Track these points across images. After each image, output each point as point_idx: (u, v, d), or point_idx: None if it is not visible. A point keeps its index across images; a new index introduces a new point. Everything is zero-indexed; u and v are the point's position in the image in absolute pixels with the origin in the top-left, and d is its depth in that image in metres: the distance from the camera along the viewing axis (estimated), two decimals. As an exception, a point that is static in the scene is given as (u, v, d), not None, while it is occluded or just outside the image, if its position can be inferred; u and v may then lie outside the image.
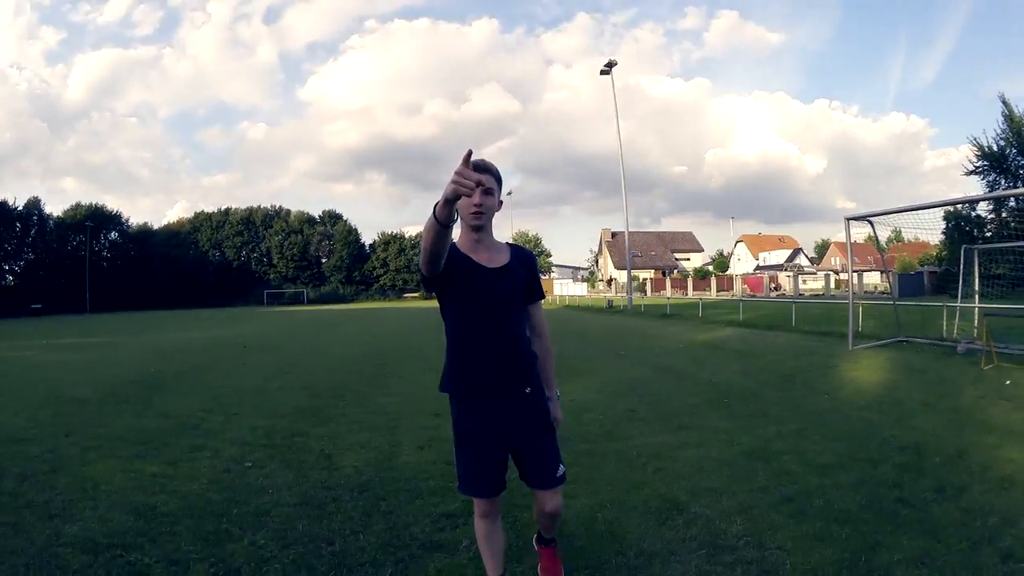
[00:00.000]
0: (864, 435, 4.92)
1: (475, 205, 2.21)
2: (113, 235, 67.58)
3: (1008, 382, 6.80)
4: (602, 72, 35.08)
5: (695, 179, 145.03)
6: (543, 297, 2.54)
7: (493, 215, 2.33)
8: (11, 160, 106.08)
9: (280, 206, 79.60)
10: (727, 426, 5.47)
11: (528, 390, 2.38)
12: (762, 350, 10.71)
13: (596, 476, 4.22)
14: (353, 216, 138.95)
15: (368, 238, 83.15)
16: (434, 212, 1.94)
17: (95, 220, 62.95)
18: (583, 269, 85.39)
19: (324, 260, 79.52)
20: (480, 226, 2.29)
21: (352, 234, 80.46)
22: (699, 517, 3.44)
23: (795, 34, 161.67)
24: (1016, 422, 5.23)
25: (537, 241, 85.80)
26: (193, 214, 78.00)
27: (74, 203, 63.77)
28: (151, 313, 49.95)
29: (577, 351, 12.66)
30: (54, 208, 65.49)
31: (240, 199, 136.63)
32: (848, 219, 10.56)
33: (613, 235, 72.36)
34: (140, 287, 64.59)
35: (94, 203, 64.64)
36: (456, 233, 2.30)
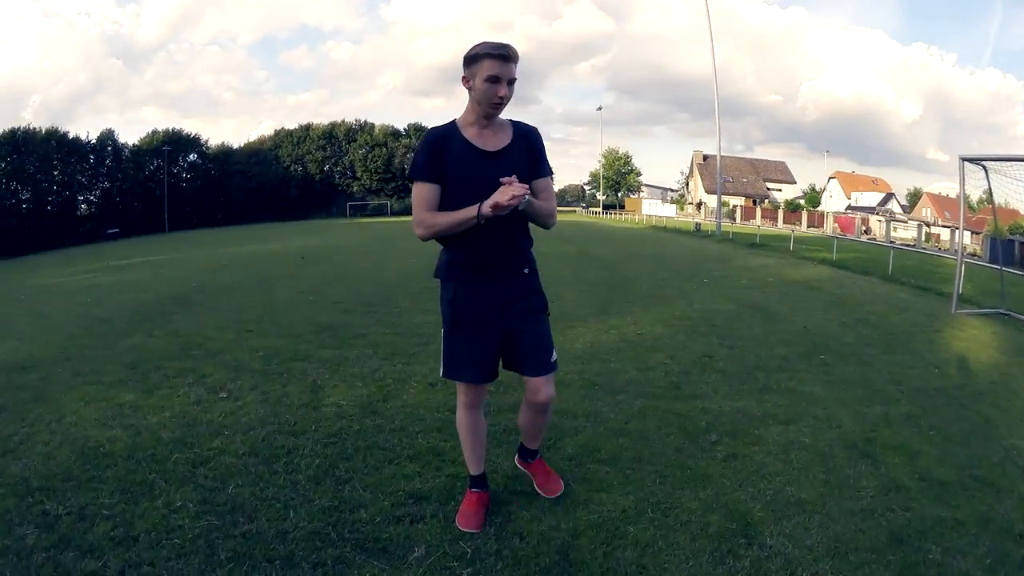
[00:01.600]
0: (982, 439, 3.49)
1: (499, 96, 2.14)
2: (192, 157, 67.24)
3: None
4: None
5: (789, 110, 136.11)
6: (549, 174, 2.37)
7: None
8: (88, 98, 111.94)
9: (365, 120, 78.01)
10: (823, 394, 4.19)
11: (526, 271, 2.35)
12: (859, 298, 8.94)
13: (643, 456, 3.12)
14: None
15: None
16: (479, 213, 2.10)
17: (172, 144, 63.34)
18: (673, 191, 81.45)
19: None
20: (497, 116, 2.24)
21: None
22: (776, 555, 2.28)
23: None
24: None
25: (628, 159, 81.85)
26: (273, 131, 77.83)
27: (151, 130, 64.29)
28: (229, 229, 50.46)
29: (654, 274, 11.32)
30: (132, 138, 65.84)
31: (326, 116, 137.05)
32: (963, 159, 8.49)
33: (705, 158, 67.72)
34: (221, 205, 64.68)
35: (171, 128, 65.17)
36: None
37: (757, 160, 75.42)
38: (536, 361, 2.32)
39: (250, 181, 68.31)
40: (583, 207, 77.87)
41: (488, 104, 2.14)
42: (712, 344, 5.59)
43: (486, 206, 2.06)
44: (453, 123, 2.26)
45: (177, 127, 66.25)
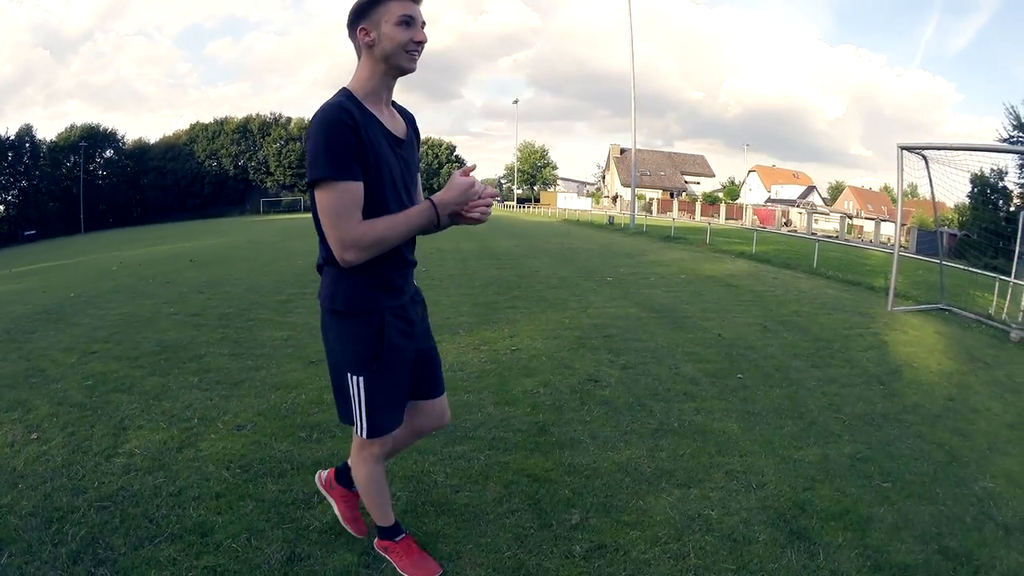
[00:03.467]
0: (950, 486, 2.87)
1: (417, 42, 1.73)
2: (109, 153, 65.62)
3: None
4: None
5: (711, 106, 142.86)
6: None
7: None
8: (14, 91, 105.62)
9: (280, 113, 75.66)
10: (740, 434, 3.44)
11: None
12: (783, 295, 8.50)
13: (462, 551, 2.27)
14: None
15: None
16: (437, 218, 1.74)
17: (89, 140, 61.21)
18: (591, 184, 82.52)
19: None
20: (413, 69, 1.79)
21: None
22: None
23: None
24: None
25: (544, 153, 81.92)
26: (189, 125, 74.50)
27: (68, 125, 62.23)
28: (142, 228, 48.84)
29: (553, 272, 10.45)
30: (51, 133, 63.91)
31: (247, 109, 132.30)
32: (902, 147, 8.26)
33: (622, 151, 68.49)
34: (136, 203, 63.29)
35: (89, 123, 62.85)
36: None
37: (675, 154, 77.34)
38: (438, 378, 2.11)
39: (165, 177, 66.35)
40: (498, 200, 77.30)
41: (404, 56, 1.74)
42: (601, 363, 4.79)
43: (448, 211, 1.74)
44: (350, 95, 1.75)
45: (98, 122, 64.84)
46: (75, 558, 2.25)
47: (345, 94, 1.75)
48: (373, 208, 1.70)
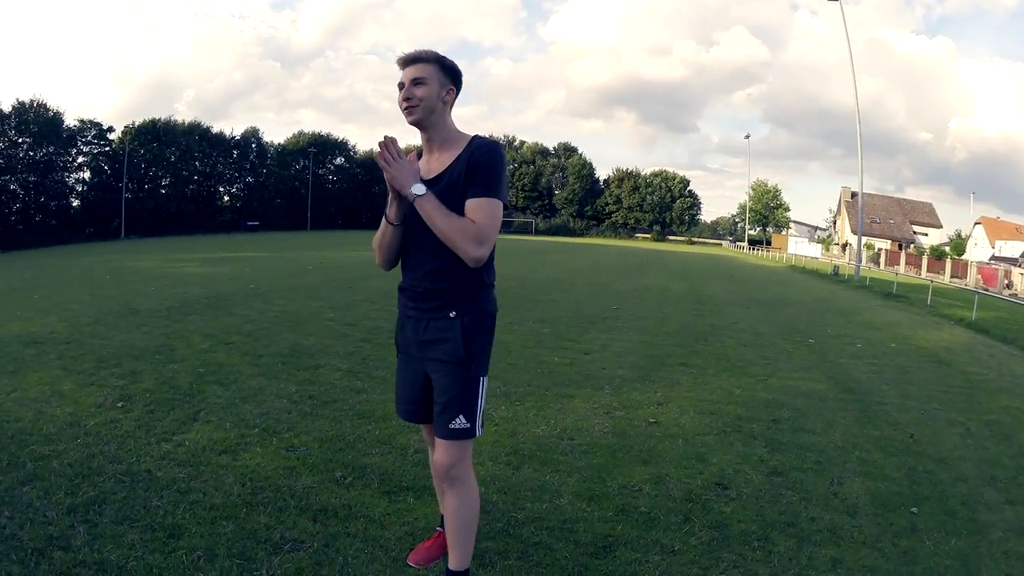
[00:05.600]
0: None
1: (403, 100, 1.99)
2: (339, 160, 69.95)
3: None
4: (830, -3, 27.05)
5: (938, 149, 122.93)
6: (484, 195, 1.92)
7: (435, 109, 2.00)
8: (243, 96, 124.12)
9: (513, 136, 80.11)
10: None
11: (453, 314, 1.99)
12: (995, 380, 6.45)
13: None
14: (592, 152, 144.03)
15: (603, 174, 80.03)
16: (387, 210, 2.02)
17: (319, 146, 67.08)
18: (822, 229, 75.47)
19: (556, 192, 77.86)
20: (417, 122, 2.01)
21: (586, 168, 77.20)
22: None
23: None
24: None
25: (776, 193, 76.57)
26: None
27: (297, 132, 67.84)
28: (368, 232, 52.51)
29: (751, 326, 9.16)
30: (280, 137, 71.99)
31: (484, 131, 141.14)
32: None
33: (853, 195, 61.85)
34: (366, 208, 66.37)
35: (318, 131, 68.48)
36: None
37: (905, 200, 68.43)
38: (435, 420, 2.04)
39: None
40: (730, 241, 74.36)
41: (402, 111, 2.02)
42: (746, 460, 3.67)
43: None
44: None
45: (328, 131, 70.29)
46: (71, 510, 2.60)
47: None
48: (403, 231, 2.03)
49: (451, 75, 2.03)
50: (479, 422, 2.01)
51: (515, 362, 5.78)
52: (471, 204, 1.90)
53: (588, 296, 11.72)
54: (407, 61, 2.00)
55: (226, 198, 61.57)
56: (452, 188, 1.93)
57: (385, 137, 1.92)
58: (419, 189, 1.89)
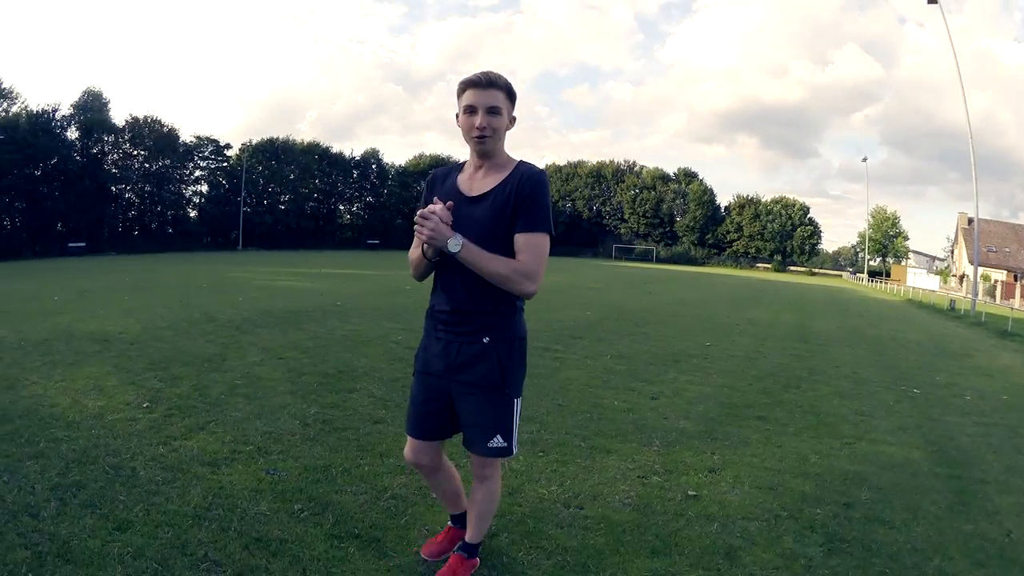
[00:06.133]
0: None
1: (478, 128, 2.00)
2: None
3: None
4: (929, 1, 24.25)
5: None
6: (535, 230, 1.99)
7: (503, 138, 2.08)
8: (367, 118, 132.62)
9: (635, 161, 79.25)
10: None
11: (487, 339, 2.08)
12: None
13: None
14: (715, 178, 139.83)
15: (724, 200, 76.60)
16: (423, 248, 2.05)
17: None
18: (940, 260, 68.94)
19: (678, 219, 75.03)
20: (485, 151, 2.05)
21: (707, 194, 74.08)
22: None
23: None
24: None
25: (895, 221, 69.99)
26: (543, 166, 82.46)
27: (418, 153, 70.15)
28: None
29: (853, 371, 7.82)
30: (403, 159, 73.79)
31: (607, 155, 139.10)
32: None
33: (970, 221, 55.72)
34: None
35: (438, 153, 69.50)
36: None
37: (1020, 227, 59.84)
38: (469, 438, 2.18)
39: (517, 211, 73.87)
40: (850, 272, 69.02)
41: (469, 138, 2.03)
42: (792, 561, 2.73)
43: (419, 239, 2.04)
44: (461, 164, 2.20)
45: (451, 154, 71.95)
46: (55, 487, 2.95)
47: (461, 163, 2.20)
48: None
49: (514, 102, 2.10)
50: (515, 441, 2.17)
51: (567, 403, 5.15)
52: (520, 240, 1.98)
53: (684, 330, 10.85)
54: (483, 84, 1.99)
55: (347, 216, 64.90)
56: (499, 210, 2.00)
57: (448, 204, 1.98)
58: (455, 245, 1.92)
